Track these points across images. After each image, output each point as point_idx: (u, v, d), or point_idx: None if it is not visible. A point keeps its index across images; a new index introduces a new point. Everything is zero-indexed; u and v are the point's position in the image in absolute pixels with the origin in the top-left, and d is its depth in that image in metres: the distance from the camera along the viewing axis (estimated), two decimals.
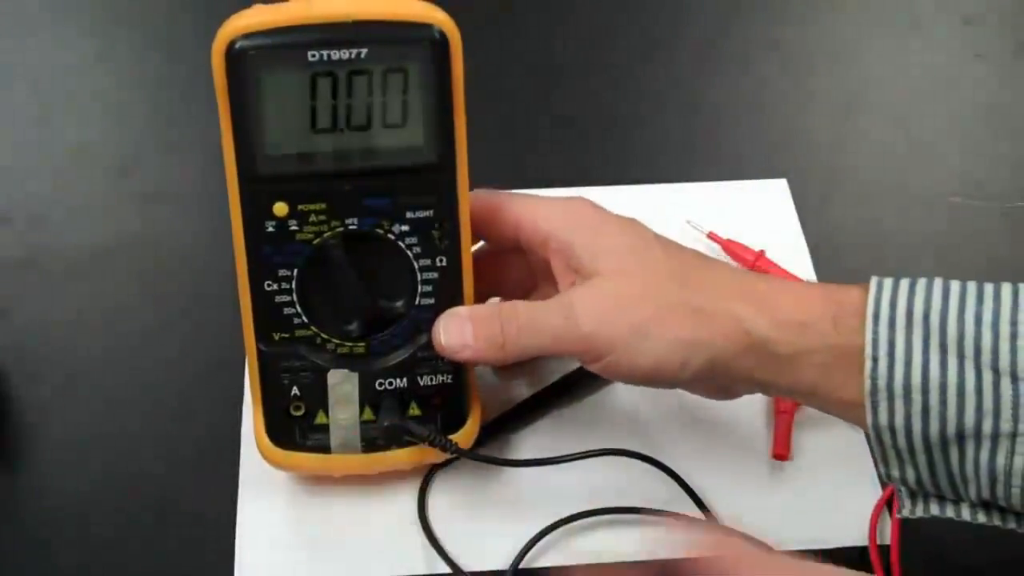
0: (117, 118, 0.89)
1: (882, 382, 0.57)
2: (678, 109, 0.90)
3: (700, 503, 0.66)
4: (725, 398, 0.63)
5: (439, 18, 0.58)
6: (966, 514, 0.59)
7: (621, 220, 0.64)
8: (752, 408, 0.71)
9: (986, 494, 0.57)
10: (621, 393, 0.72)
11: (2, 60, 0.91)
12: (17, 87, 0.89)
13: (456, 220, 0.62)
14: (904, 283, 0.58)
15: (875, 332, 0.57)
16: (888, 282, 0.58)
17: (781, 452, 0.68)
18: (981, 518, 0.58)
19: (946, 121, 0.89)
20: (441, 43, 0.58)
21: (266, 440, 0.64)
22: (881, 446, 0.58)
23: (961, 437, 0.56)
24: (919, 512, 0.60)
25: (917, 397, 0.56)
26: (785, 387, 0.61)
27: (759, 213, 0.81)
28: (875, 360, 0.57)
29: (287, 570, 0.65)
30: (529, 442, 0.70)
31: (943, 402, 0.56)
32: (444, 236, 0.62)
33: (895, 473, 0.59)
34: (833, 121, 0.89)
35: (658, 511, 0.66)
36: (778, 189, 0.83)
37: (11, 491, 0.68)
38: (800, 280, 0.63)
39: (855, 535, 0.66)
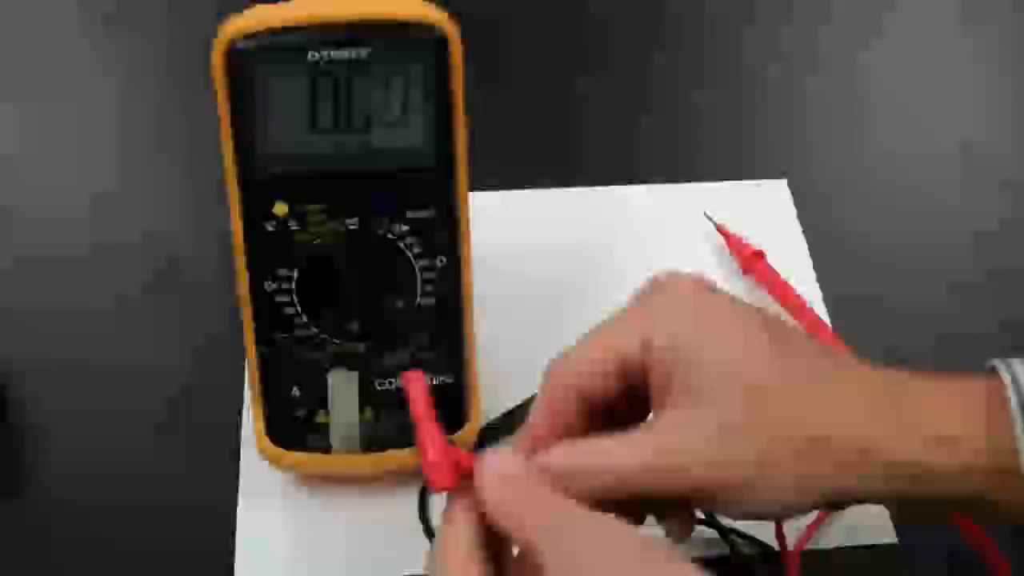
0: (117, 118, 0.89)
1: None
2: (678, 109, 0.90)
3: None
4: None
5: (439, 19, 0.58)
6: None
7: (721, 307, 0.52)
8: None
9: None
10: None
11: (2, 60, 0.91)
12: (17, 87, 0.89)
13: (456, 220, 0.62)
14: None
15: None
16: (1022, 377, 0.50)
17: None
18: None
19: (946, 121, 0.89)
20: (441, 44, 0.58)
21: (266, 440, 0.64)
22: None
23: None
24: None
25: None
26: (935, 510, 0.54)
27: (759, 213, 0.81)
28: None
29: (287, 570, 0.65)
30: None
31: None
32: (444, 236, 0.62)
33: None
34: (833, 121, 0.89)
35: None
36: (778, 189, 0.83)
37: (11, 491, 0.68)
38: (932, 378, 0.52)
39: (856, 536, 0.66)
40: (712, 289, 0.52)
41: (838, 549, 0.66)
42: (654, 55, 0.93)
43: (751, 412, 0.49)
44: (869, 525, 0.67)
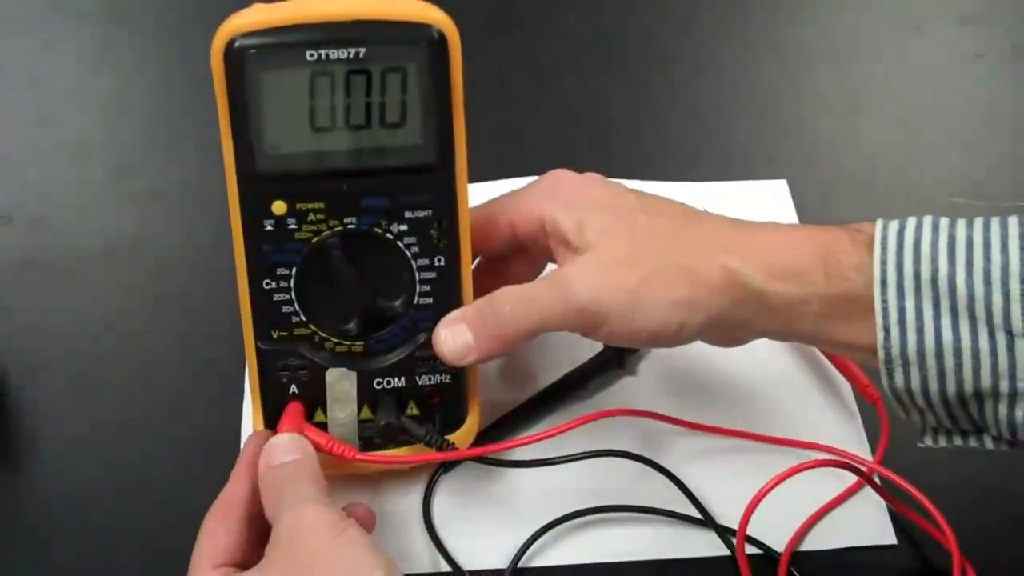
0: (117, 118, 0.89)
1: (895, 351, 0.57)
2: (678, 109, 0.90)
3: (697, 503, 0.66)
4: (732, 345, 0.63)
5: (438, 18, 0.58)
6: (989, 444, 0.59)
7: (602, 187, 0.64)
8: (749, 409, 0.71)
9: (1007, 436, 0.58)
10: (621, 394, 0.72)
11: (2, 60, 0.91)
12: (17, 87, 0.89)
13: (455, 220, 0.61)
14: (908, 238, 0.57)
15: (884, 300, 0.57)
16: (892, 239, 0.58)
17: None
18: (1004, 448, 0.59)
19: (946, 121, 0.89)
20: (440, 43, 0.58)
21: None
22: (899, 401, 0.59)
23: (979, 395, 0.57)
24: (941, 443, 0.60)
25: (932, 362, 0.56)
26: (785, 335, 0.61)
27: (759, 213, 0.81)
28: (886, 330, 0.57)
29: None
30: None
31: (958, 365, 0.56)
32: (442, 236, 0.62)
33: (915, 418, 0.60)
34: (833, 121, 0.89)
35: (655, 510, 0.66)
36: (778, 189, 0.83)
37: (11, 491, 0.68)
38: (789, 225, 0.64)
39: (855, 537, 0.66)
40: (594, 175, 0.65)
41: (836, 550, 0.66)
42: (654, 55, 0.93)
43: (630, 250, 0.60)
44: (868, 526, 0.67)
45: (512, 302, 0.61)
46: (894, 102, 0.90)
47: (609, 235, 0.61)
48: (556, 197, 0.63)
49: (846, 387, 0.72)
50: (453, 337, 0.61)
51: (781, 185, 0.83)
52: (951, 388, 0.57)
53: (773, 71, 0.92)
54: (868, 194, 0.84)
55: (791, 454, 0.69)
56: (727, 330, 0.61)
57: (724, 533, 0.66)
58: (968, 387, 0.56)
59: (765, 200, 0.83)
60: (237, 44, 0.57)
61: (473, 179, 0.62)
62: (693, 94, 0.91)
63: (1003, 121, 0.90)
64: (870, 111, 0.89)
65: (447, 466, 0.68)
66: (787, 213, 0.82)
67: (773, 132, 0.89)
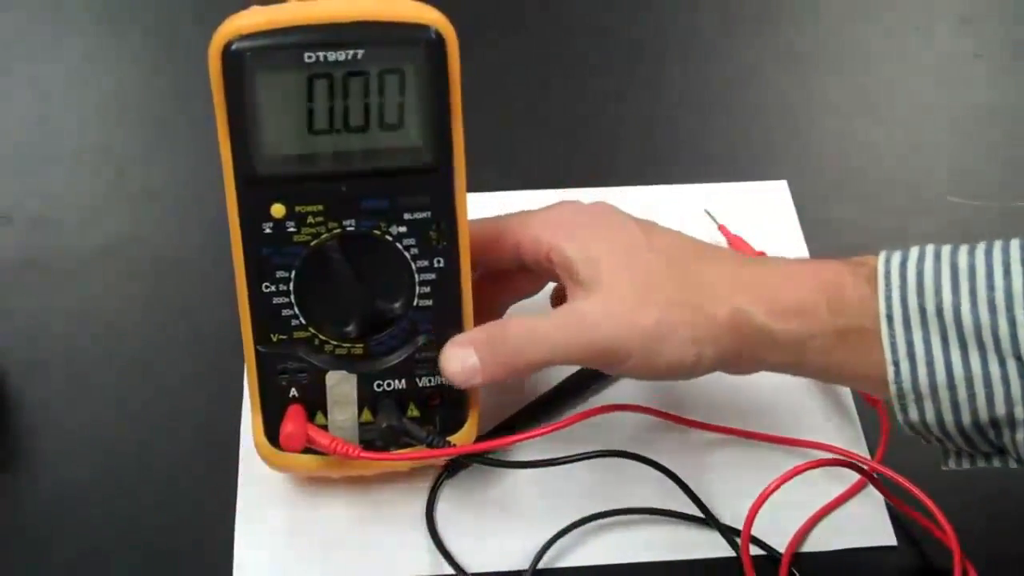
0: (117, 118, 0.89)
1: (907, 385, 0.57)
2: (679, 110, 0.90)
3: (701, 504, 0.66)
4: (745, 374, 0.64)
5: (436, 19, 0.58)
6: (1013, 464, 0.59)
7: (610, 221, 0.64)
8: (749, 410, 0.71)
9: None
10: (620, 397, 0.71)
11: (2, 60, 0.91)
12: (17, 87, 0.89)
13: (454, 221, 0.61)
14: (911, 270, 0.57)
15: (892, 335, 0.57)
16: (895, 273, 0.58)
17: None
18: None
19: (946, 121, 0.89)
20: (438, 44, 0.58)
21: (264, 441, 0.64)
22: (916, 432, 0.59)
23: (995, 423, 0.57)
24: (965, 466, 0.60)
25: (945, 394, 0.56)
26: (795, 370, 0.62)
27: (759, 214, 0.81)
28: (896, 365, 0.57)
29: (286, 571, 0.65)
30: (531, 444, 0.69)
31: (971, 396, 0.56)
32: (442, 237, 0.62)
33: (935, 445, 0.60)
34: (833, 121, 0.89)
35: (669, 512, 0.67)
36: (778, 190, 0.83)
37: (11, 491, 0.68)
38: (793, 260, 0.65)
39: (855, 537, 0.66)
40: (603, 207, 0.65)
41: (836, 551, 0.66)
42: (654, 56, 0.93)
43: (641, 289, 0.61)
44: (868, 527, 0.67)
45: (525, 334, 0.62)
46: (894, 102, 0.90)
47: (619, 273, 0.61)
48: (563, 227, 0.63)
49: (845, 388, 0.72)
50: (460, 360, 0.62)
51: (781, 185, 0.83)
52: (966, 418, 0.57)
53: (774, 73, 0.92)
54: (868, 194, 0.84)
55: (792, 453, 0.69)
56: (738, 365, 0.62)
57: (728, 533, 0.66)
58: (983, 416, 0.56)
59: (765, 201, 0.83)
60: (235, 46, 0.57)
61: (473, 180, 0.62)
62: (694, 95, 0.91)
63: (1003, 121, 0.89)
64: (870, 111, 0.89)
65: (451, 470, 0.68)
66: (787, 213, 0.82)
67: (773, 132, 0.89)
